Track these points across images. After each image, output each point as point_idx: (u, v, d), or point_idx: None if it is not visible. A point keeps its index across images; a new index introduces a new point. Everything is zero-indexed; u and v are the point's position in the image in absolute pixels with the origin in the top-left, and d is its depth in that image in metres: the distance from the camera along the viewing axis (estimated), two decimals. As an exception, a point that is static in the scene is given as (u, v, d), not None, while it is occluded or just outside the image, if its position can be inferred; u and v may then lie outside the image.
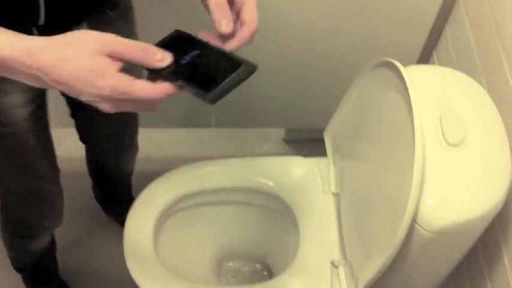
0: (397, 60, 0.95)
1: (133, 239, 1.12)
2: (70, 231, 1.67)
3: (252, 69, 0.61)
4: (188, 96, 0.59)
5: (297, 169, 1.24)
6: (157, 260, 1.10)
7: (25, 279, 1.54)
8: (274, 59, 1.46)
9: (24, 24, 0.74)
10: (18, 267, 1.48)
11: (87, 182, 1.61)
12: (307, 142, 1.88)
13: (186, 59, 0.61)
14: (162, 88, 0.57)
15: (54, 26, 0.77)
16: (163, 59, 0.58)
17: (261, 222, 1.33)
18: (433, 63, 1.42)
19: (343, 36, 1.40)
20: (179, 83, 0.58)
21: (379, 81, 1.01)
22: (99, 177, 1.56)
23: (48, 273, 1.55)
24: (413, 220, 0.86)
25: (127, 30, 1.01)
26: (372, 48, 1.41)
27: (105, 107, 0.57)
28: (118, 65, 0.56)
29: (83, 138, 1.34)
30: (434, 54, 1.42)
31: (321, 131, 1.81)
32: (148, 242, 1.11)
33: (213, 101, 0.57)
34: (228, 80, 0.59)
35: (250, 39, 0.67)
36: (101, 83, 0.54)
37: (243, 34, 0.66)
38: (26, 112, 0.94)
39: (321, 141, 1.87)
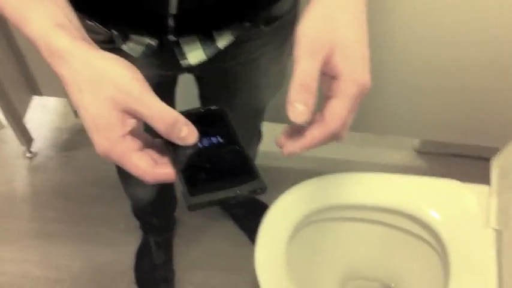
0: None
1: (266, 253, 1.02)
2: (182, 217, 1.61)
3: (259, 190, 0.48)
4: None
5: (453, 196, 1.08)
6: (288, 276, 1.00)
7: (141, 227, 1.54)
8: (423, 65, 1.30)
9: (157, 10, 0.63)
10: (134, 212, 1.46)
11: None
12: (442, 156, 1.71)
13: (202, 144, 0.49)
14: (160, 175, 0.47)
15: (189, 21, 0.66)
16: (187, 138, 0.47)
17: (398, 246, 1.19)
18: None
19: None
20: (176, 169, 0.47)
21: None
22: None
23: (158, 231, 1.53)
24: None
25: (276, 46, 0.86)
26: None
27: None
28: (128, 125, 0.46)
29: None
30: None
31: (458, 146, 1.65)
32: (281, 258, 1.01)
33: (191, 208, 0.46)
34: (222, 192, 0.46)
35: (323, 143, 0.51)
36: (97, 139, 0.45)
37: (313, 136, 0.50)
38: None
39: (457, 157, 1.71)
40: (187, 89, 1.05)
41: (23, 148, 1.75)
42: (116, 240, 1.60)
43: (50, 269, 1.55)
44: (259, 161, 1.47)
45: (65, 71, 0.46)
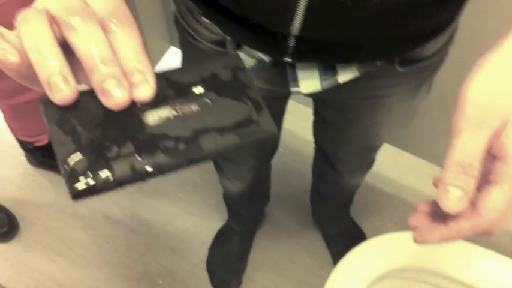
0: None
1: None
2: (273, 213, 1.54)
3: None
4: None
5: None
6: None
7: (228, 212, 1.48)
8: None
9: (277, 28, 0.54)
10: (224, 198, 1.40)
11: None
12: None
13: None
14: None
15: (311, 46, 0.55)
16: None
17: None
18: None
19: None
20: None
21: None
22: (320, 180, 1.34)
23: (243, 221, 1.46)
24: None
25: (410, 89, 0.72)
26: None
27: None
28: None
29: (316, 138, 1.10)
30: None
31: None
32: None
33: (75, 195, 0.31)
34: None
35: (470, 237, 0.39)
36: None
37: (460, 228, 0.38)
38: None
39: None
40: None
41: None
42: (203, 214, 1.56)
43: (132, 218, 1.55)
44: (368, 180, 1.33)
45: None
